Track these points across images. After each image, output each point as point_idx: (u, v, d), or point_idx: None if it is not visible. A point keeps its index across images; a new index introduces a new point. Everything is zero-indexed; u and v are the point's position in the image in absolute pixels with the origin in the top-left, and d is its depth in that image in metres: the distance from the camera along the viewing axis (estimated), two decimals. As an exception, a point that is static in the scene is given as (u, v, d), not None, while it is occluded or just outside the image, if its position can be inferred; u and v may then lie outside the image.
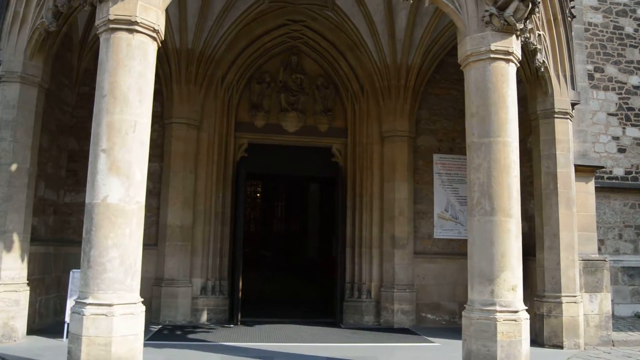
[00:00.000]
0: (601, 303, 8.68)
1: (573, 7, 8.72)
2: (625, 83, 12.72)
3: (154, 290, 9.50)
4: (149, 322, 8.64)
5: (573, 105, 8.69)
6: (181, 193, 9.76)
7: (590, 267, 8.72)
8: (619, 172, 12.42)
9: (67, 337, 6.53)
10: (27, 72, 7.47)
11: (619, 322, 10.65)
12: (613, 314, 10.21)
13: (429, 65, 10.50)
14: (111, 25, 5.63)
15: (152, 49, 5.85)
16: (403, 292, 10.03)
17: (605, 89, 12.63)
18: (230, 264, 10.25)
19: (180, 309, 9.53)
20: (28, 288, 7.49)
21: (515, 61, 6.42)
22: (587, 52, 11.83)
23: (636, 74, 12.80)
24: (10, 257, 7.25)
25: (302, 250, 21.40)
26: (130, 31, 5.65)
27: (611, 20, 12.83)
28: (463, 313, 6.21)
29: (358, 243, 10.52)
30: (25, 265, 7.44)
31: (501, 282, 5.96)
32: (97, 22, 5.81)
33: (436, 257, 10.49)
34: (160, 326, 9.18)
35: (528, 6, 6.21)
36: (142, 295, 5.65)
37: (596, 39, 12.66)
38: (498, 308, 5.91)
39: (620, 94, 12.68)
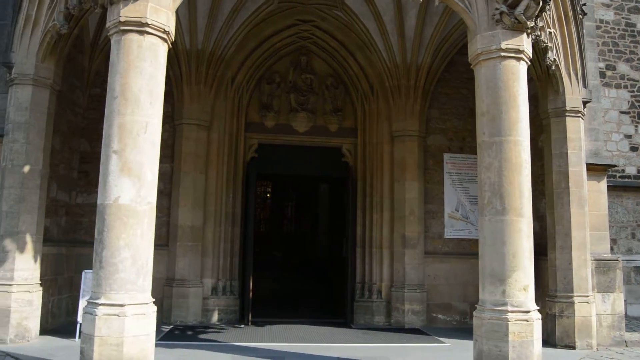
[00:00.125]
0: (614, 303, 8.61)
1: (584, 4, 8.65)
2: (638, 81, 12.60)
3: (165, 290, 9.55)
4: (160, 322, 8.70)
5: (585, 103, 8.62)
6: (192, 193, 9.80)
7: (602, 266, 8.65)
8: (631, 170, 12.30)
9: (79, 337, 6.56)
10: (39, 74, 7.54)
11: (632, 322, 10.55)
12: (626, 314, 10.11)
13: (439, 64, 10.47)
14: (122, 27, 5.67)
15: (162, 50, 5.88)
16: (414, 292, 10.01)
17: (617, 86, 12.52)
18: (241, 264, 10.28)
19: (191, 309, 9.57)
20: (41, 288, 7.56)
21: (526, 59, 6.38)
22: (599, 50, 11.73)
23: (648, 71, 12.68)
24: (24, 258, 7.32)
25: (313, 250, 21.41)
26: (141, 33, 5.68)
27: (623, 17, 12.71)
28: (474, 313, 6.18)
29: (368, 243, 10.50)
30: (38, 265, 7.51)
31: (513, 282, 5.93)
32: (108, 24, 5.85)
33: (447, 257, 10.45)
34: (171, 326, 9.22)
35: (539, 4, 6.18)
36: (153, 295, 5.68)
37: (608, 37, 12.55)
38: (509, 308, 5.88)
39: (633, 91, 12.56)
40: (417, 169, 10.31)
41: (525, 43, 6.30)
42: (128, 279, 5.37)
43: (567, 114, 8.45)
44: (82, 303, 7.29)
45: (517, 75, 6.26)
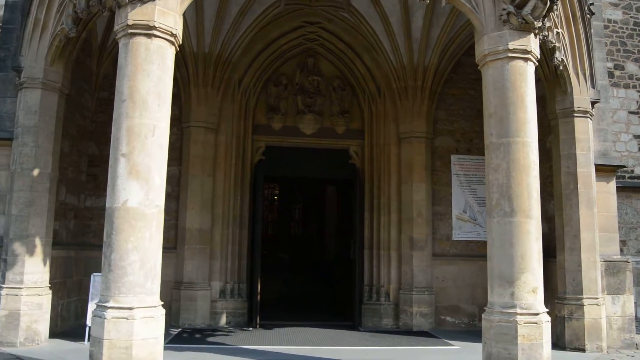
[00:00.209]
0: (624, 305, 8.55)
1: (592, 3, 8.60)
2: (647, 80, 12.49)
3: (173, 293, 9.57)
4: (168, 325, 8.71)
5: (593, 103, 8.57)
6: (199, 196, 9.82)
7: (612, 268, 8.59)
8: (640, 171, 12.20)
9: (88, 340, 6.58)
10: (48, 78, 7.57)
11: (643, 324, 10.46)
12: (636, 316, 10.00)
13: (446, 65, 10.45)
14: (130, 31, 5.70)
15: (170, 53, 5.91)
16: (422, 295, 9.97)
17: (626, 86, 12.42)
18: (249, 267, 10.29)
19: (200, 312, 9.58)
20: (50, 292, 7.59)
21: (534, 60, 6.36)
22: (607, 50, 11.65)
23: (658, 71, 12.57)
24: (33, 261, 7.35)
25: (320, 252, 21.40)
26: (149, 36, 5.71)
27: (631, 17, 12.62)
28: (483, 316, 6.16)
29: (376, 245, 10.48)
30: (47, 269, 7.54)
31: (521, 284, 5.90)
32: (116, 28, 5.88)
33: (455, 259, 10.41)
34: (179, 329, 9.24)
35: (546, 4, 6.16)
36: (161, 298, 5.69)
37: (616, 36, 12.46)
38: (518, 310, 5.85)
39: (642, 91, 12.46)
40: (424, 171, 10.28)
41: (532, 43, 6.28)
42: (136, 282, 5.38)
43: (575, 114, 8.39)
44: (91, 306, 7.32)
45: (525, 76, 6.24)
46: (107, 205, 5.59)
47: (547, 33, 6.90)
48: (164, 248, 5.83)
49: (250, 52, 10.43)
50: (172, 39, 5.88)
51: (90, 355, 5.38)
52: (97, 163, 9.59)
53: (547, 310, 6.08)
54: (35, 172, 7.45)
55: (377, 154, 10.71)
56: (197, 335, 8.81)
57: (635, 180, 12.09)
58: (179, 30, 5.96)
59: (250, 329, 9.57)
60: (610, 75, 11.82)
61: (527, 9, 6.12)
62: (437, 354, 7.96)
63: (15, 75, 7.82)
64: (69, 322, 8.77)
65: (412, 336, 9.24)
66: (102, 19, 7.99)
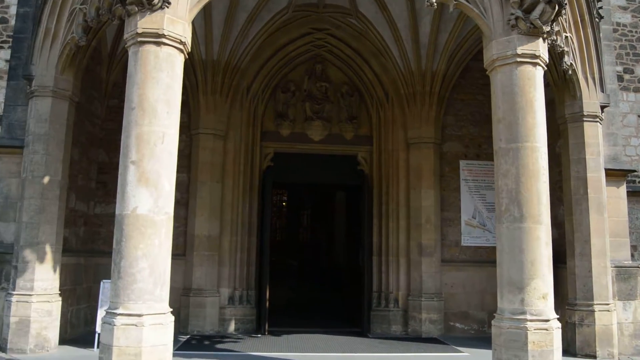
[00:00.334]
0: (635, 311, 8.48)
1: (601, 7, 8.58)
2: (657, 84, 12.41)
3: (182, 300, 9.58)
4: (177, 332, 8.69)
5: (602, 107, 8.53)
6: (208, 203, 9.84)
7: (623, 274, 8.52)
8: (651, 176, 12.10)
9: (97, 347, 6.62)
10: (58, 86, 7.64)
11: (655, 330, 10.35)
12: (649, 321, 9.92)
13: (454, 70, 10.44)
14: (139, 39, 5.74)
15: (179, 60, 5.94)
16: (431, 301, 9.92)
17: (636, 90, 12.33)
18: (257, 274, 10.28)
19: (208, 319, 9.58)
20: (60, 298, 7.62)
21: (542, 64, 6.34)
22: (616, 53, 11.58)
23: (667, 75, 12.49)
24: (43, 268, 7.40)
25: (329, 258, 21.35)
26: (158, 44, 5.75)
27: (640, 21, 12.55)
28: (493, 322, 6.12)
29: (385, 251, 10.45)
30: (57, 276, 7.58)
31: (531, 290, 5.86)
32: (125, 36, 5.93)
33: (464, 265, 10.36)
34: (188, 336, 9.24)
35: (554, 8, 6.13)
36: (170, 305, 5.70)
37: (625, 40, 12.39)
38: (529, 317, 5.80)
39: (651, 95, 12.37)
40: (433, 176, 10.26)
41: (541, 48, 6.26)
42: (146, 289, 5.40)
43: (584, 119, 8.36)
44: (101, 313, 7.35)
45: (534, 81, 6.22)
46: (117, 212, 5.62)
47: (555, 37, 6.89)
48: (172, 255, 5.85)
49: (259, 59, 10.47)
50: (181, 46, 5.92)
51: (100, 362, 5.40)
52: (107, 170, 9.64)
53: (558, 316, 6.04)
54: (46, 179, 7.50)
55: (385, 160, 10.70)
56: (206, 342, 8.81)
57: (646, 185, 11.99)
58: (187, 38, 6.00)
59: (259, 335, 9.56)
60: (620, 79, 11.75)
61: (535, 13, 6.10)
62: (446, 361, 7.93)
63: (26, 84, 7.90)
64: (78, 329, 8.80)
65: (421, 343, 9.20)
66: (112, 27, 8.07)
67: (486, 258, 10.11)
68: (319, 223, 23.63)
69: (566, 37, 7.68)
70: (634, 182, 11.56)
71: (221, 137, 10.15)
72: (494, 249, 6.74)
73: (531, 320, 5.79)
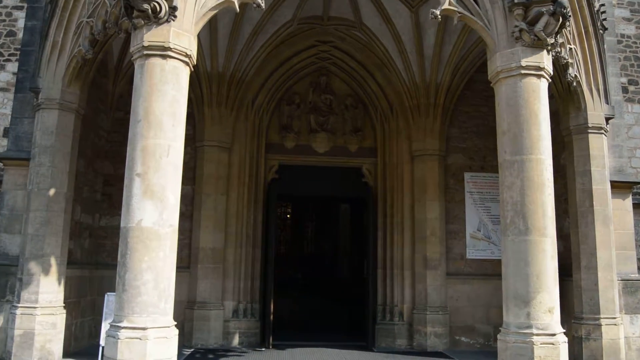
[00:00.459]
0: (643, 325, 8.39)
1: (604, 19, 8.59)
2: (662, 96, 12.39)
3: (186, 313, 9.55)
4: (181, 345, 8.64)
5: (607, 119, 8.51)
6: (213, 215, 9.85)
7: (630, 287, 8.45)
8: (657, 188, 12.03)
9: None
10: (65, 98, 7.68)
11: (663, 344, 10.23)
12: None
13: (459, 82, 10.45)
14: (145, 52, 5.78)
15: (184, 73, 5.97)
16: (436, 315, 9.85)
17: (641, 102, 12.32)
18: (262, 287, 10.25)
19: (212, 332, 9.55)
20: (64, 311, 7.60)
21: (547, 76, 6.34)
22: (621, 65, 11.59)
23: (672, 86, 12.47)
24: (48, 280, 7.39)
25: (333, 271, 21.28)
26: (164, 57, 5.78)
27: (644, 32, 12.56)
28: (498, 336, 6.07)
29: (389, 264, 10.41)
30: (62, 288, 7.57)
31: (537, 304, 5.81)
32: (131, 49, 5.97)
33: (469, 278, 10.29)
34: (192, 349, 9.20)
35: (558, 20, 6.15)
36: (174, 318, 5.68)
37: (629, 51, 12.40)
38: (535, 331, 5.75)
39: (657, 107, 12.35)
40: (437, 189, 10.23)
41: (545, 60, 6.27)
42: (150, 302, 5.38)
43: (589, 130, 8.33)
44: (105, 326, 7.30)
45: (538, 93, 6.22)
46: (122, 224, 5.62)
47: (559, 49, 6.90)
48: (177, 267, 5.83)
49: (264, 71, 10.52)
50: (186, 59, 5.95)
51: (104, 375, 5.37)
52: (112, 182, 9.65)
53: (564, 330, 5.98)
54: (52, 191, 7.52)
55: (390, 172, 10.69)
56: (210, 356, 8.77)
57: (653, 197, 11.93)
58: (193, 51, 6.03)
59: (263, 349, 9.51)
60: (625, 90, 11.74)
61: (539, 25, 6.12)
62: (452, 375, 7.85)
63: (33, 97, 7.94)
64: (82, 342, 8.77)
65: (427, 357, 9.13)
66: (118, 40, 8.11)
67: (491, 271, 10.04)
68: (323, 235, 23.59)
69: (570, 48, 7.68)
70: (639, 194, 11.52)
71: (226, 150, 10.17)
72: (499, 262, 6.70)
73: (537, 335, 5.74)
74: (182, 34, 5.89)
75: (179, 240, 6.44)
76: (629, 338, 8.20)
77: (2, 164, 8.41)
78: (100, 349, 7.43)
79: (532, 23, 6.16)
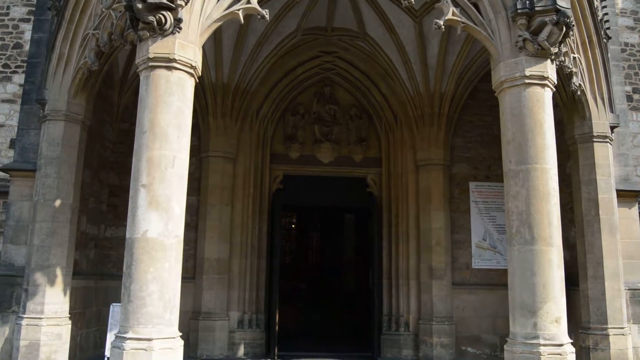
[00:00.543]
0: (651, 335, 8.32)
1: (608, 28, 8.60)
2: (667, 104, 12.36)
3: (191, 323, 9.53)
4: (186, 356, 8.60)
5: (612, 128, 8.50)
6: (218, 226, 9.85)
7: (637, 296, 8.40)
8: (664, 196, 11.96)
9: (107, 370, 6.59)
10: (70, 110, 7.72)
11: (672, 354, 10.14)
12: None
13: (463, 92, 10.45)
14: (151, 63, 5.80)
15: (189, 84, 6.00)
16: (442, 325, 9.79)
17: (646, 110, 12.29)
18: (267, 297, 10.23)
19: (218, 343, 9.52)
20: (70, 322, 7.60)
21: (551, 86, 6.34)
22: (625, 73, 11.58)
23: (677, 95, 12.44)
24: (53, 291, 7.39)
25: (338, 281, 21.20)
26: (169, 68, 5.81)
27: (649, 41, 12.56)
28: (505, 347, 6.02)
29: (395, 274, 10.37)
30: (67, 299, 7.57)
31: (544, 314, 5.78)
32: (137, 60, 6.00)
33: (475, 288, 10.24)
34: (197, 360, 9.19)
35: (562, 30, 6.16)
36: (179, 329, 5.66)
37: (633, 60, 12.39)
38: (542, 341, 5.71)
39: (662, 115, 12.32)
40: (442, 198, 10.21)
41: (549, 69, 6.27)
42: (155, 312, 5.37)
43: (594, 139, 8.31)
44: (110, 337, 7.31)
45: (542, 102, 6.22)
46: (127, 235, 5.63)
47: (563, 58, 6.90)
48: (182, 278, 5.82)
49: (268, 82, 10.57)
50: (191, 71, 5.98)
51: (109, 387, 5.36)
52: (118, 193, 9.67)
53: (571, 340, 5.93)
54: (57, 202, 7.54)
55: (394, 182, 10.68)
56: (215, 366, 8.74)
57: (659, 206, 11.85)
58: (198, 62, 6.07)
59: None
60: (629, 99, 11.72)
61: (543, 35, 6.13)
62: (459, 386, 7.79)
63: (39, 108, 7.99)
64: (87, 353, 8.76)
65: (433, 367, 9.06)
66: (124, 52, 8.17)
67: (497, 281, 9.99)
68: (328, 245, 23.53)
69: (574, 57, 7.69)
70: (646, 202, 11.45)
71: (231, 160, 10.20)
72: (505, 271, 6.67)
73: (544, 345, 5.69)
74: (187, 45, 5.92)
75: (184, 250, 6.45)
76: (637, 348, 8.14)
77: (8, 175, 8.44)
78: (106, 359, 7.44)
79: (536, 33, 6.17)
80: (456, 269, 10.27)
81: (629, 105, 11.31)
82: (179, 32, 5.84)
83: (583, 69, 8.14)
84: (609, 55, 8.62)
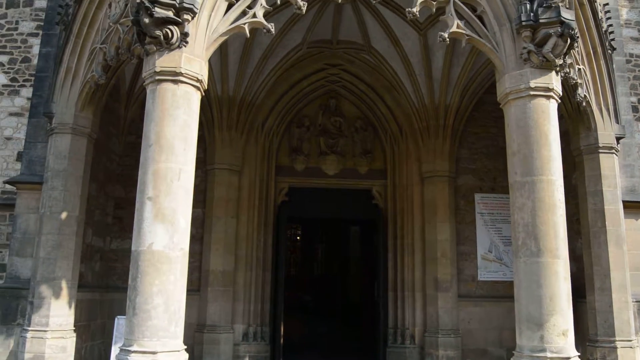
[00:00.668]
0: (660, 347, 8.22)
1: (613, 39, 8.62)
2: (672, 115, 12.33)
3: (196, 336, 9.50)
4: (191, 368, 8.63)
5: (618, 139, 8.48)
6: (223, 238, 9.85)
7: (646, 309, 8.32)
8: (671, 207, 11.89)
9: (112, 383, 6.56)
10: (77, 123, 7.77)
11: (681, 367, 10.02)
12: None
13: (468, 104, 10.46)
14: (157, 77, 5.84)
15: (195, 98, 6.03)
16: (448, 337, 9.72)
17: (651, 121, 12.26)
18: (272, 309, 10.20)
19: (222, 356, 9.47)
20: (74, 335, 7.59)
21: (556, 97, 6.33)
22: (630, 84, 11.56)
23: (683, 106, 12.41)
24: (59, 304, 7.39)
25: (343, 293, 21.13)
26: (175, 82, 5.84)
27: (654, 51, 12.56)
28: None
29: (400, 286, 10.33)
30: (72, 311, 7.57)
31: (551, 326, 5.72)
32: (144, 74, 6.04)
33: (481, 300, 10.17)
34: (202, 372, 9.14)
35: (567, 41, 6.16)
36: (184, 341, 5.64)
37: (638, 70, 12.38)
38: (549, 354, 5.65)
39: (667, 126, 12.28)
40: (448, 210, 10.19)
41: (554, 81, 6.27)
42: (160, 325, 5.36)
43: (600, 150, 8.29)
44: (115, 350, 7.30)
45: (548, 114, 6.21)
46: (133, 248, 5.63)
47: (568, 70, 6.91)
48: (187, 290, 5.80)
49: (273, 94, 10.62)
50: (197, 84, 6.01)
51: (114, 400, 5.34)
52: (124, 205, 9.70)
53: (579, 353, 5.88)
54: (64, 215, 7.57)
55: (400, 194, 10.67)
56: (221, 379, 8.70)
57: (666, 217, 11.78)
58: (204, 75, 6.10)
59: (274, 372, 9.43)
60: (635, 109, 11.69)
61: (548, 47, 6.13)
62: (465, 399, 7.73)
63: (46, 121, 8.06)
64: (92, 366, 8.75)
65: (440, 380, 8.99)
66: (130, 65, 8.22)
67: (503, 293, 9.92)
68: (333, 257, 23.48)
69: (579, 69, 7.69)
70: (652, 214, 11.38)
71: (236, 172, 10.22)
72: (511, 283, 6.62)
73: (551, 358, 5.63)
74: (194, 59, 5.96)
75: (190, 263, 6.44)
76: (645, 361, 8.04)
77: (15, 188, 8.48)
78: (110, 372, 7.43)
79: (541, 44, 6.17)
80: (462, 281, 10.22)
81: (634, 116, 11.28)
82: (185, 46, 5.88)
83: (588, 80, 8.14)
84: (614, 66, 8.64)
